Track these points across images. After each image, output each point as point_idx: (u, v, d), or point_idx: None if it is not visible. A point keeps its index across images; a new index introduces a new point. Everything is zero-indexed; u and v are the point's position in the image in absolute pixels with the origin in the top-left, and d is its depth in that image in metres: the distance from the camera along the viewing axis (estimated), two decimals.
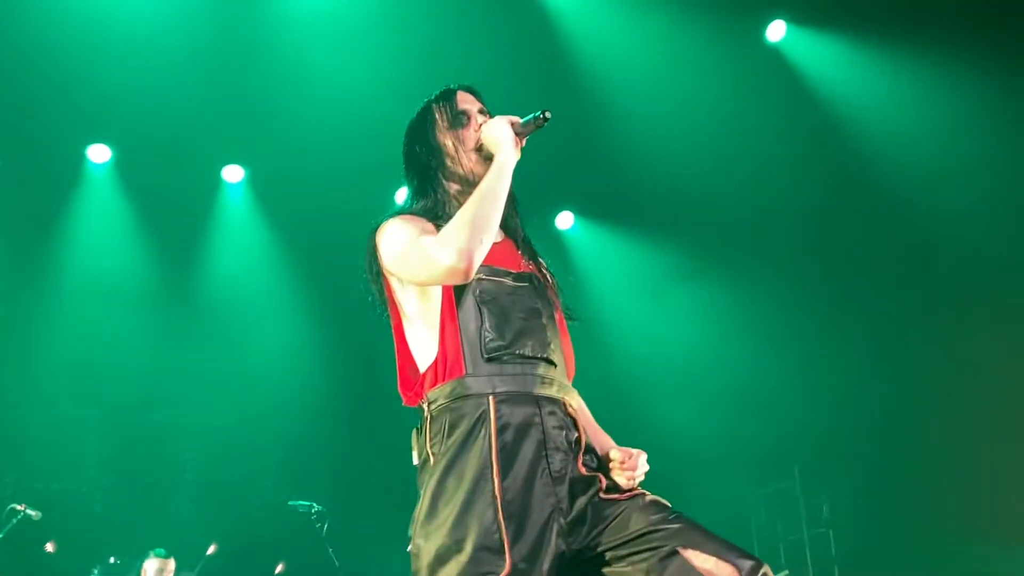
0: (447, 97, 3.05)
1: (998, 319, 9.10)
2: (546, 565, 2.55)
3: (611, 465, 2.81)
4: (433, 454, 2.68)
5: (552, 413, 2.72)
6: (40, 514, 7.49)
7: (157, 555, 7.95)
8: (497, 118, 2.91)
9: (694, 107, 9.41)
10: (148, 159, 9.44)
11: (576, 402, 2.85)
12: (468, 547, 2.51)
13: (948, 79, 8.72)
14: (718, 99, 9.38)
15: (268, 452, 9.96)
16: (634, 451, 2.85)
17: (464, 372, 2.68)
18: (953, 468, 9.24)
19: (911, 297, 9.71)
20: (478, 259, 2.66)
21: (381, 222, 2.90)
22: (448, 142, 2.98)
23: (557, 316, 2.92)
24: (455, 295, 2.75)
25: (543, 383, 2.73)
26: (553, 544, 2.58)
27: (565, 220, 10.98)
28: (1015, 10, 8.08)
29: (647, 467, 2.82)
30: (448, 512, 2.56)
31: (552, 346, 2.80)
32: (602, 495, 2.69)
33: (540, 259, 3.02)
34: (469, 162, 2.96)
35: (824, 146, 9.55)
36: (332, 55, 8.57)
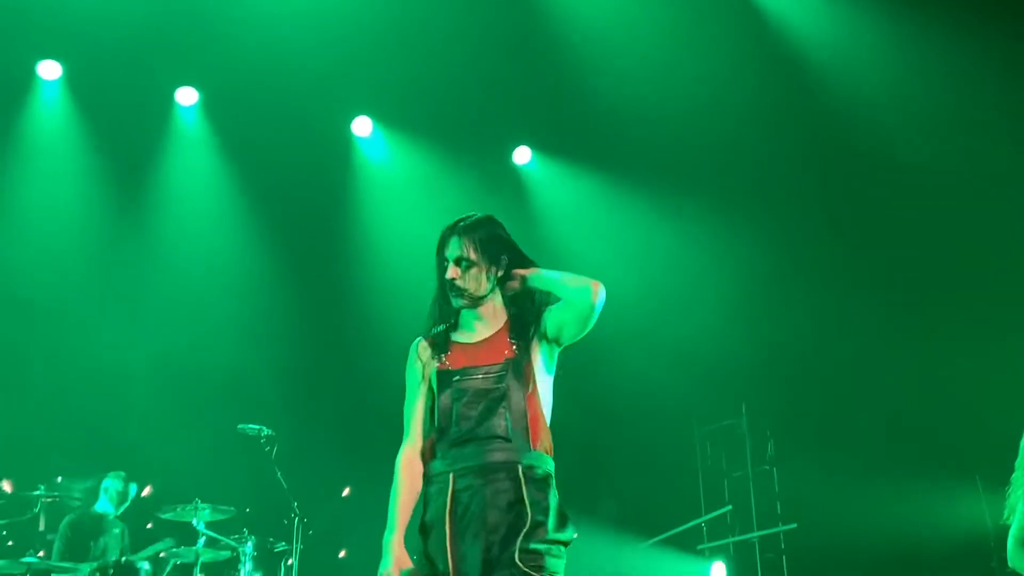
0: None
1: (948, 263, 9.25)
2: None
3: None
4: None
5: (495, 480, 3.24)
6: None
7: (117, 476, 8.36)
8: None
9: (659, 45, 9.34)
10: (100, 77, 9.22)
11: (528, 462, 3.29)
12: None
13: (921, 28, 8.77)
14: (686, 38, 9.32)
15: (218, 376, 9.91)
16: None
17: (434, 456, 3.35)
18: (898, 409, 9.45)
19: (863, 238, 9.84)
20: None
21: None
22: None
23: (527, 393, 3.35)
24: (439, 389, 3.38)
25: (493, 454, 3.25)
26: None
27: (523, 155, 10.87)
28: None
29: None
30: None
31: (508, 426, 3.28)
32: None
33: (522, 341, 3.47)
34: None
35: (786, 90, 9.56)
36: None
